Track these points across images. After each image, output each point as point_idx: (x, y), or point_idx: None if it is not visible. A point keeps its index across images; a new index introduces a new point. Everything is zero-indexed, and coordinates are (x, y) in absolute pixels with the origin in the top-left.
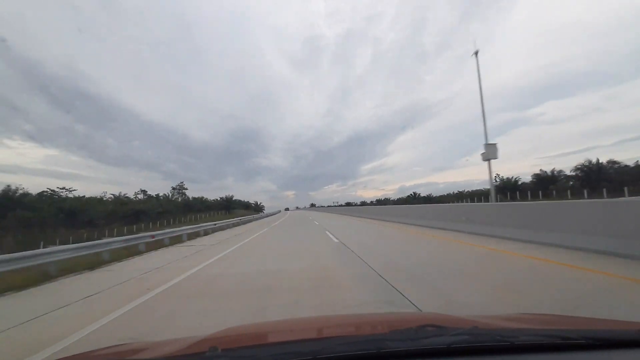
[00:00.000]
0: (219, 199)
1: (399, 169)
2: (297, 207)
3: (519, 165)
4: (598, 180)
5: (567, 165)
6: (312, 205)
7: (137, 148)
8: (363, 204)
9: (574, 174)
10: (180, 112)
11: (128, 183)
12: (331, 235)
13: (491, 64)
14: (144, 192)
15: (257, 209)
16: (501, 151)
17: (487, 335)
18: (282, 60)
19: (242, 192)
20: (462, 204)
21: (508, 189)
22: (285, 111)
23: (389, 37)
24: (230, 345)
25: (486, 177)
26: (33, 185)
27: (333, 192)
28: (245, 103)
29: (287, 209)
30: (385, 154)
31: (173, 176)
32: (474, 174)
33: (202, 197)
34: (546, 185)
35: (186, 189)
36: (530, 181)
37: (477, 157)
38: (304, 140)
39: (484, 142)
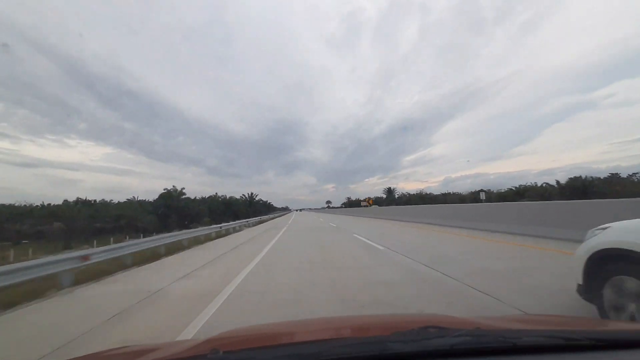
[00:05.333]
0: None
1: (444, 160)
2: (348, 199)
3: (585, 153)
4: None
5: None
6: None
7: (182, 144)
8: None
9: None
10: (220, 107)
11: (175, 178)
12: None
13: (558, 37)
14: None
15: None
16: (562, 139)
17: (489, 336)
18: (319, 44)
19: (282, 187)
20: None
21: None
22: (323, 101)
23: (439, 4)
24: (232, 348)
25: (545, 166)
26: (97, 181)
27: (374, 185)
28: (283, 94)
29: (328, 203)
30: (429, 144)
31: (216, 171)
32: (531, 164)
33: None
34: None
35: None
36: None
37: (533, 145)
38: (344, 131)
39: (541, 129)
